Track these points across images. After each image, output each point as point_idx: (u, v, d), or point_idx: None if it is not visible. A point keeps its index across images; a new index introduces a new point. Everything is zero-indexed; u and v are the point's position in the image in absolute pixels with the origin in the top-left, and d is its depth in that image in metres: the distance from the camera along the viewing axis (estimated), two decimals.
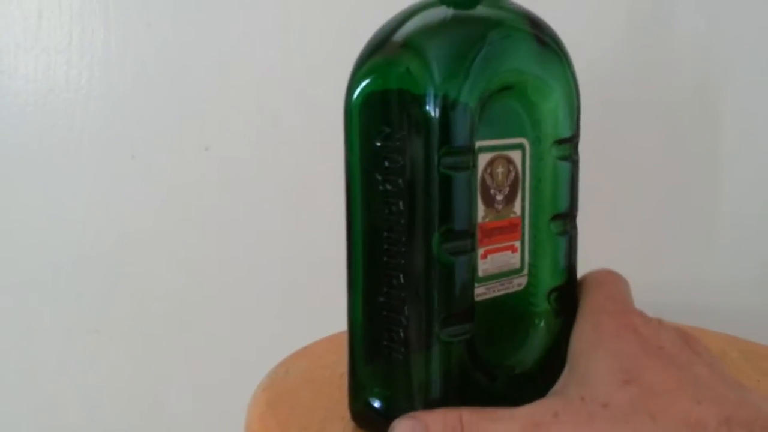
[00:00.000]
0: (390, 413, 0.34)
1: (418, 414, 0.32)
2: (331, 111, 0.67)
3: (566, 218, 0.38)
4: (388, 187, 0.34)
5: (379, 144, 0.34)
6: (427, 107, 0.32)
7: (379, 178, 0.35)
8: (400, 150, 0.33)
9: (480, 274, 0.35)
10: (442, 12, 0.34)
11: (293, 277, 0.71)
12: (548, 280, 0.37)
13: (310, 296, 0.71)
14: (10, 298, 0.74)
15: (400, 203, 0.34)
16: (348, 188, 0.37)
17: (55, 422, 0.75)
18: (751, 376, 0.46)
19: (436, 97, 0.32)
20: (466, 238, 0.33)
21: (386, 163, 0.34)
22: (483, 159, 0.34)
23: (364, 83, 0.35)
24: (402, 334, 0.34)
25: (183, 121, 0.70)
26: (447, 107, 0.32)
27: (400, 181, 0.34)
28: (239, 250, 0.71)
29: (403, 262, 0.34)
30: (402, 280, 0.34)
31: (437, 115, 0.32)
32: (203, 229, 0.71)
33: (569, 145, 0.37)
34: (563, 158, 0.37)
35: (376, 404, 0.37)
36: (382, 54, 0.35)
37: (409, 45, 0.34)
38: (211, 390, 0.73)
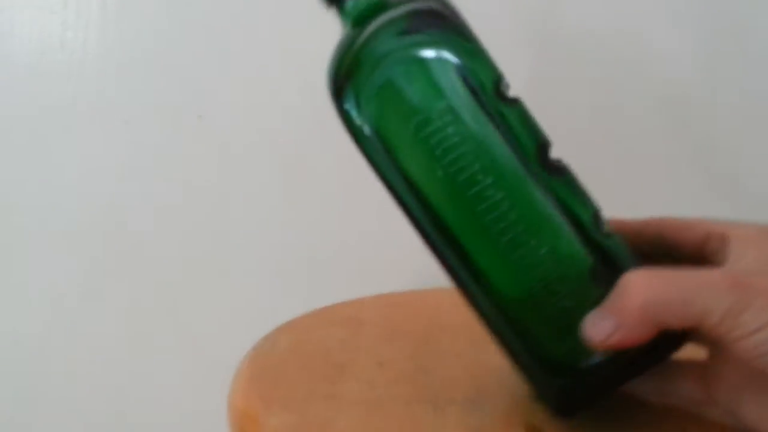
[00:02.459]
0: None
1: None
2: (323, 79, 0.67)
3: None
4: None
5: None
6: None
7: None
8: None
9: None
10: None
11: (285, 249, 0.71)
12: None
13: (301, 269, 0.71)
14: (1, 261, 0.73)
15: None
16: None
17: (38, 385, 0.75)
18: None
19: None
20: None
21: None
22: None
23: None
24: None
25: (177, 89, 0.69)
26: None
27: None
28: (232, 219, 0.71)
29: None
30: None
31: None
32: (196, 197, 0.71)
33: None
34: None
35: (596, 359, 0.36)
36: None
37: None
38: (197, 361, 0.73)
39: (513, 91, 0.36)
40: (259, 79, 0.69)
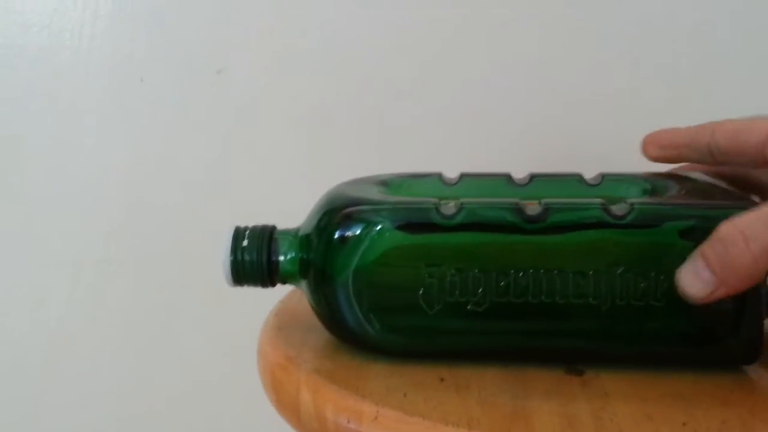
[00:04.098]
0: None
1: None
2: (347, 33, 0.64)
3: None
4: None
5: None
6: None
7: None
8: None
9: None
10: None
11: (306, 201, 0.68)
12: None
13: None
14: (17, 227, 0.72)
15: None
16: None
17: (62, 353, 0.74)
18: None
19: None
20: None
21: None
22: None
23: None
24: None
25: (194, 43, 0.67)
26: None
27: None
28: (252, 176, 0.68)
29: None
30: None
31: None
32: (214, 156, 0.69)
33: None
34: None
35: None
36: None
37: None
38: (222, 315, 0.71)
39: None
40: (280, 30, 0.66)
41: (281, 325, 0.41)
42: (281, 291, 0.46)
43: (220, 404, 0.73)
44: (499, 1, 0.63)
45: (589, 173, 0.43)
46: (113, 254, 0.71)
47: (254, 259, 0.38)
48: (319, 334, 0.38)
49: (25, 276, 0.73)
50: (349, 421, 0.32)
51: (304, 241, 0.38)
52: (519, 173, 0.43)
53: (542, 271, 0.34)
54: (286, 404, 0.36)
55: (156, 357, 0.73)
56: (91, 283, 0.72)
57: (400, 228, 0.35)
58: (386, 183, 0.42)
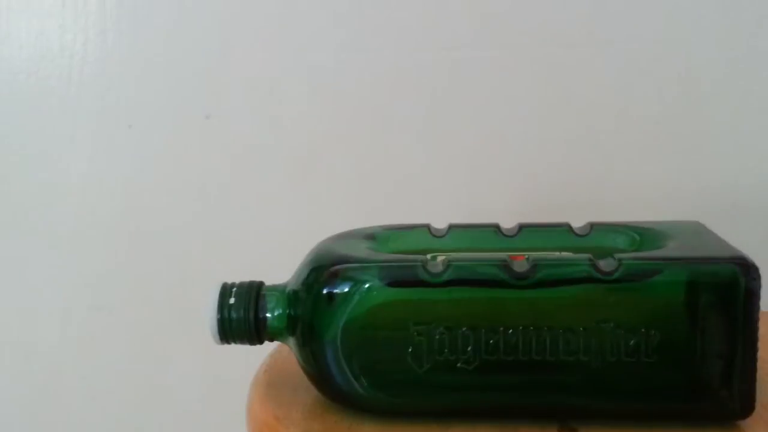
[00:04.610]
0: None
1: None
2: (337, 80, 0.64)
3: None
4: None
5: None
6: None
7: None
8: None
9: None
10: None
11: (297, 249, 0.68)
12: None
13: None
14: (6, 272, 0.71)
15: None
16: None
17: (53, 398, 0.73)
18: None
19: None
20: None
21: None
22: None
23: None
24: None
25: (183, 89, 0.67)
26: None
27: None
28: (242, 219, 0.68)
29: None
30: None
31: None
32: (203, 203, 0.68)
33: None
34: None
35: None
36: None
37: None
38: (215, 369, 0.70)
39: None
40: (265, 77, 0.66)
41: (270, 381, 0.41)
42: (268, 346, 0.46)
43: None
44: (490, 44, 0.63)
45: (578, 221, 0.43)
46: (103, 300, 0.71)
47: (241, 316, 0.38)
48: (308, 392, 0.38)
49: (14, 322, 0.72)
50: None
51: (292, 297, 0.37)
52: (508, 221, 0.43)
53: (531, 327, 0.34)
54: None
55: (146, 405, 0.72)
56: (81, 330, 0.71)
57: (387, 285, 0.35)
58: (374, 237, 0.41)
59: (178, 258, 0.69)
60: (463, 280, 0.34)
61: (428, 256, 0.36)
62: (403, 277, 0.35)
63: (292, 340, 0.37)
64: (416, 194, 0.65)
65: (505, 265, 0.34)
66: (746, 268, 0.32)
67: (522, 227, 0.42)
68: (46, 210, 0.70)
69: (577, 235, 0.42)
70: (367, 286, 0.35)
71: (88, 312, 0.71)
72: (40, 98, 0.68)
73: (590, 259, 0.34)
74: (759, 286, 0.33)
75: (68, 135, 0.68)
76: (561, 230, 0.42)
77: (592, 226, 0.42)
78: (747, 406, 0.33)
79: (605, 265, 0.34)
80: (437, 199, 0.64)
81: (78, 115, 0.68)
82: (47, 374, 0.72)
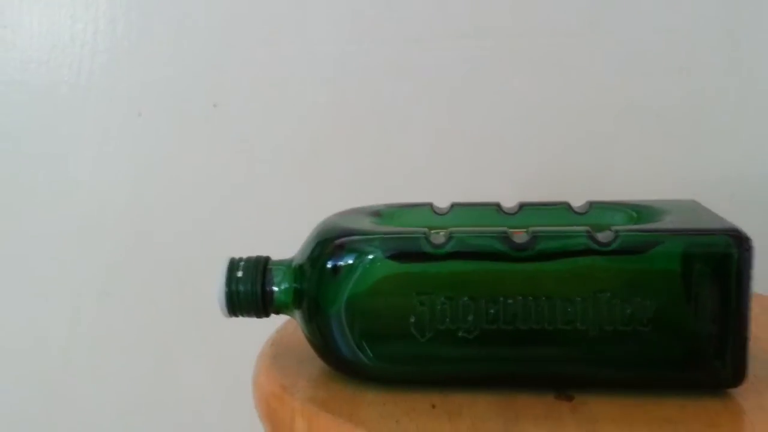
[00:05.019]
0: None
1: None
2: (343, 65, 0.65)
3: None
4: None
5: None
6: None
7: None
8: None
9: None
10: None
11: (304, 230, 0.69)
12: None
13: None
14: (18, 260, 0.72)
15: None
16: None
17: (62, 386, 0.74)
18: None
19: None
20: None
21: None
22: None
23: None
24: None
25: (191, 77, 0.68)
26: None
27: None
28: (248, 208, 0.69)
29: None
30: None
31: None
32: (212, 188, 0.69)
33: None
34: None
35: None
36: None
37: None
38: (220, 345, 0.71)
39: None
40: (275, 65, 0.67)
41: (276, 354, 0.42)
42: (280, 319, 0.47)
43: None
44: (492, 33, 0.64)
45: (577, 202, 0.43)
46: (113, 287, 0.72)
47: (249, 289, 0.38)
48: (314, 363, 0.39)
49: (25, 309, 0.73)
50: None
51: (297, 271, 0.38)
52: (509, 202, 0.44)
53: (530, 297, 0.35)
54: None
55: (156, 388, 0.73)
56: (92, 316, 0.72)
57: (391, 257, 0.36)
58: (379, 213, 0.42)
59: (186, 241, 0.70)
60: (464, 252, 0.35)
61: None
62: (405, 249, 0.36)
63: (298, 313, 0.38)
64: (419, 178, 0.66)
65: (505, 237, 0.35)
66: (739, 240, 0.33)
67: (522, 206, 0.43)
68: (57, 197, 0.71)
69: (576, 213, 0.42)
70: (370, 257, 0.36)
71: (98, 298, 0.72)
72: (51, 87, 0.69)
73: (588, 232, 0.35)
74: (751, 257, 0.33)
75: (78, 124, 0.69)
76: (560, 208, 0.43)
77: (591, 205, 0.43)
78: (739, 375, 0.34)
79: (603, 237, 0.35)
80: (439, 183, 0.65)
81: (88, 104, 0.69)
82: (59, 359, 0.74)
